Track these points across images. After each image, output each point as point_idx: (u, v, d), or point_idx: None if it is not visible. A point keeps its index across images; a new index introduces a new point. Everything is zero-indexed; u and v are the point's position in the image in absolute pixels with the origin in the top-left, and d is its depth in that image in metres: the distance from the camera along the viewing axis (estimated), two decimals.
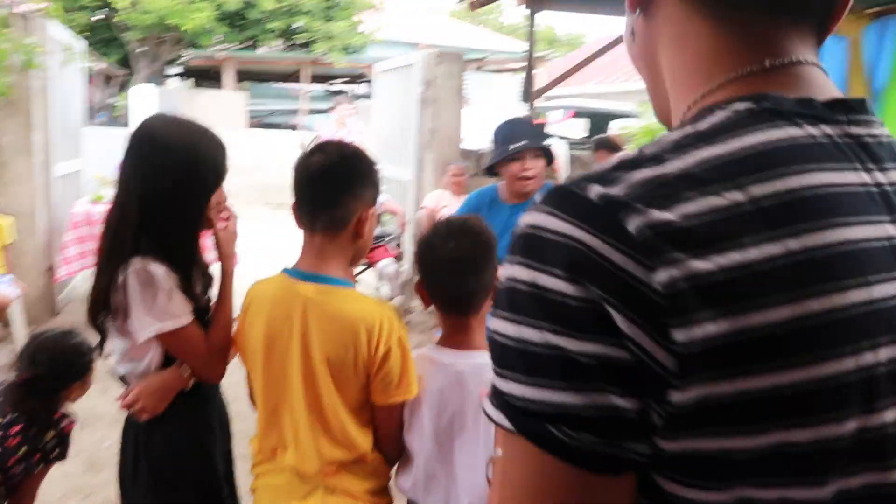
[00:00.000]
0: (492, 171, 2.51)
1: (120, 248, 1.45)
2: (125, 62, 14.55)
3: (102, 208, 4.60)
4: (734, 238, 0.44)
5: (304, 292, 1.36)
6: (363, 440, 1.38)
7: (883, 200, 0.49)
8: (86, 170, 6.00)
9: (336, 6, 14.61)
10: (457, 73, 5.48)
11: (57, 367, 1.96)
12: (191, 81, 16.71)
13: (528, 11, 5.89)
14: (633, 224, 0.44)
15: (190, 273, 1.51)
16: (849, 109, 0.52)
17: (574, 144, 7.45)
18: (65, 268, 4.52)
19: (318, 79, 16.69)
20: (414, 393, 1.36)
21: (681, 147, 0.49)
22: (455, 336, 1.42)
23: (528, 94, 5.80)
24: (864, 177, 0.49)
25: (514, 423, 0.46)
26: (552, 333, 0.45)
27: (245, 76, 15.86)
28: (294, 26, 14.77)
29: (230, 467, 1.70)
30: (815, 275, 0.44)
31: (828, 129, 0.50)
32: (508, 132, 2.49)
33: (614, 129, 9.65)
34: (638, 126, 9.98)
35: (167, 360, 1.53)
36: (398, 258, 5.06)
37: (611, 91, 17.50)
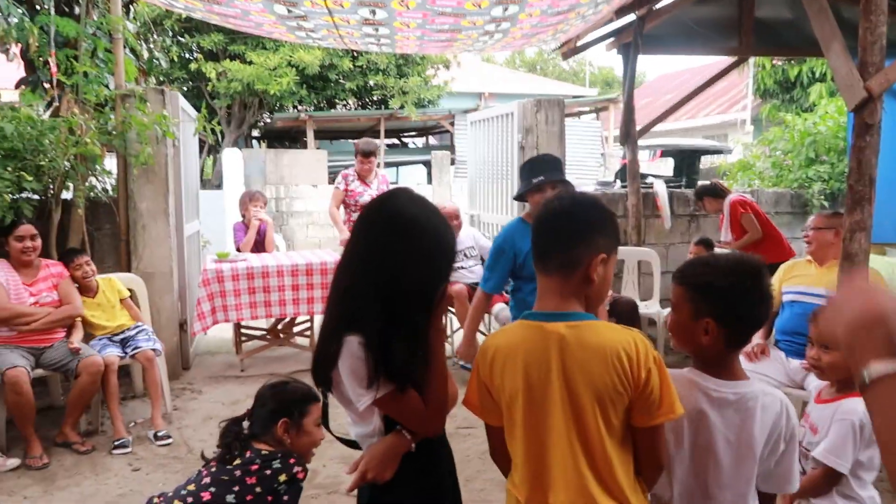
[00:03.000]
0: (522, 198, 3.16)
1: (356, 321, 1.47)
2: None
3: (230, 266, 4.83)
4: None
5: (555, 331, 1.39)
6: (631, 488, 1.38)
7: None
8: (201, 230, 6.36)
9: (409, 63, 15.12)
10: (557, 118, 5.58)
11: (265, 401, 2.15)
12: (270, 142, 17.50)
13: (619, 56, 6.01)
14: None
15: (415, 348, 1.49)
16: None
17: (667, 183, 7.40)
18: (199, 323, 4.74)
19: (390, 133, 17.19)
20: (679, 412, 1.36)
21: None
22: (727, 368, 1.49)
23: (628, 136, 5.85)
24: None
25: None
26: None
27: (323, 135, 16.47)
28: (369, 84, 15.34)
29: None
30: None
31: None
32: (530, 169, 3.03)
33: (704, 165, 9.53)
34: (730, 161, 9.83)
35: (389, 422, 1.56)
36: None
37: (694, 126, 17.17)
